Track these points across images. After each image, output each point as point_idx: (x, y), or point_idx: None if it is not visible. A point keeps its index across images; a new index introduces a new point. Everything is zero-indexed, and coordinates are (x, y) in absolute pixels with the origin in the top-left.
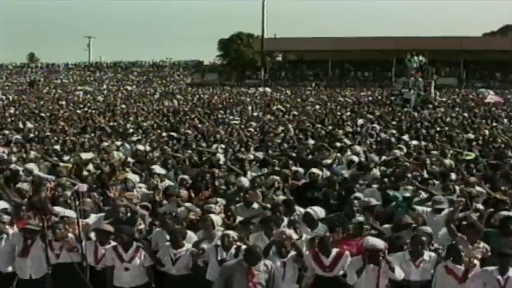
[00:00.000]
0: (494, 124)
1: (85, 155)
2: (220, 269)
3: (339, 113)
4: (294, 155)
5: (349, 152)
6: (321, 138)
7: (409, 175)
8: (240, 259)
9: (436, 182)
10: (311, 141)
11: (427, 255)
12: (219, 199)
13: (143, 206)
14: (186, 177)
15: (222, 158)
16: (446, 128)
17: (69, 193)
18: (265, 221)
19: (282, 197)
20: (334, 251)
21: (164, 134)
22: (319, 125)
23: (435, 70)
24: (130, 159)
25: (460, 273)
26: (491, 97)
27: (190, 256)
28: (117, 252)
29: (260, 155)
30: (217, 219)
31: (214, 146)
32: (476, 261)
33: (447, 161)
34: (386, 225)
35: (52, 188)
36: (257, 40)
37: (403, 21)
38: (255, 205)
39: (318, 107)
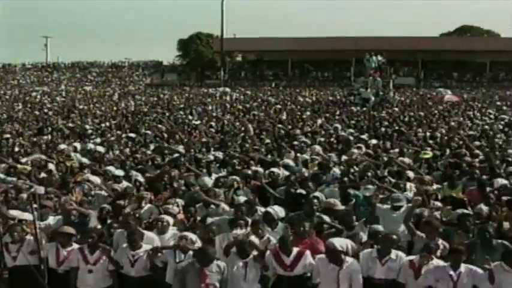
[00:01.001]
0: (452, 123)
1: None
2: (175, 270)
3: (298, 113)
4: (254, 155)
5: (308, 152)
6: (281, 138)
7: (370, 174)
8: (193, 260)
9: (393, 180)
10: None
11: (394, 254)
12: (178, 200)
13: None
14: (140, 178)
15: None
16: (404, 128)
17: (25, 195)
18: (233, 222)
19: (242, 197)
20: (295, 250)
21: (123, 135)
22: (279, 125)
23: (393, 70)
24: (86, 161)
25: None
26: (448, 96)
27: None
28: (82, 253)
29: (220, 155)
30: (169, 219)
31: (176, 146)
32: (435, 259)
33: (406, 160)
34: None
35: (3, 190)
36: (216, 40)
37: (362, 22)
38: (214, 206)
39: (278, 106)
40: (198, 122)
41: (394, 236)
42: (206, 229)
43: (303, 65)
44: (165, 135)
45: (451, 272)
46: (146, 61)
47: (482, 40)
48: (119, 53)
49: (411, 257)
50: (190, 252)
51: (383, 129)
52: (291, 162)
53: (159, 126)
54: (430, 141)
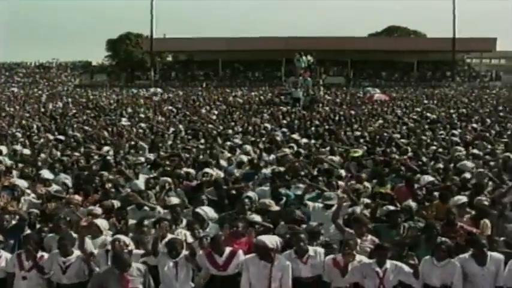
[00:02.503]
0: (381, 121)
1: None
2: (91, 279)
3: (229, 113)
4: (186, 155)
5: (239, 152)
6: (213, 138)
7: (302, 173)
8: (110, 266)
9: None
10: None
11: (313, 250)
12: (113, 201)
13: None
14: (67, 181)
15: (112, 160)
16: (334, 126)
17: None
18: (158, 223)
19: (174, 199)
20: (227, 249)
21: (51, 137)
22: (210, 125)
23: (323, 69)
24: (13, 164)
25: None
26: (377, 95)
27: (81, 263)
28: (19, 259)
29: (151, 156)
30: (102, 222)
31: (105, 148)
32: (357, 255)
33: (335, 158)
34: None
35: None
36: (146, 40)
37: (292, 22)
38: (146, 207)
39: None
40: (127, 123)
41: (302, 235)
42: (140, 231)
43: (234, 65)
44: (95, 137)
45: (377, 269)
46: (75, 61)
47: (409, 40)
48: (47, 54)
49: (333, 256)
50: None
51: (313, 128)
52: (225, 163)
53: (86, 128)
54: (361, 140)
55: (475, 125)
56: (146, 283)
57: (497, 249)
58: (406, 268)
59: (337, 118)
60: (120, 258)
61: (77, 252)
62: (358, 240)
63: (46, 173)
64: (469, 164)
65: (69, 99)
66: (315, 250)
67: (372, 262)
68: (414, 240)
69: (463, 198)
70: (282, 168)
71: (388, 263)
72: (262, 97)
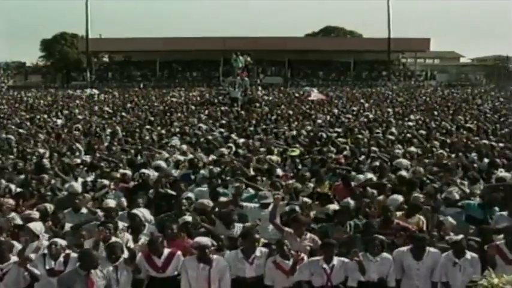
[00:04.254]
0: (318, 121)
1: None
2: (57, 281)
3: (167, 113)
4: (124, 157)
5: (177, 152)
6: (150, 139)
7: (240, 172)
8: (75, 268)
9: (264, 179)
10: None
11: (259, 251)
12: (47, 204)
13: None
14: (12, 185)
15: (47, 163)
16: (273, 126)
17: None
18: (102, 226)
19: (111, 201)
20: (166, 251)
21: None
22: (148, 126)
23: (261, 69)
24: None
25: (287, 267)
26: (315, 95)
27: (19, 269)
28: None
29: (87, 158)
30: (35, 226)
31: (41, 150)
32: (303, 254)
33: (274, 158)
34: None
35: None
36: (82, 40)
37: (230, 22)
38: (84, 210)
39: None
40: (61, 125)
41: (256, 235)
42: (77, 235)
43: (171, 65)
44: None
45: (325, 266)
46: (8, 62)
47: (345, 40)
48: None
49: (272, 258)
50: (61, 259)
51: (251, 128)
52: (163, 164)
53: (21, 130)
54: (298, 139)
55: (410, 124)
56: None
57: (434, 244)
58: (352, 264)
59: (274, 117)
60: (88, 258)
61: (14, 258)
62: (298, 239)
63: None
64: (404, 161)
65: (3, 101)
66: (260, 251)
67: (320, 259)
68: (351, 239)
69: (399, 198)
70: (219, 168)
71: (335, 260)
72: (200, 97)
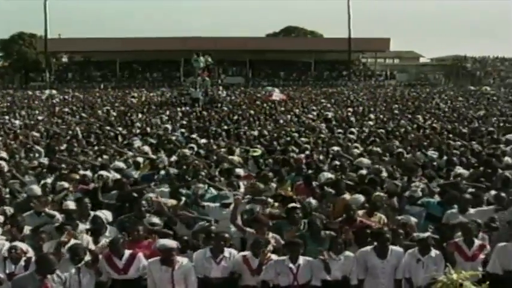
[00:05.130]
0: (280, 121)
1: None
2: (11, 283)
3: (128, 114)
4: (83, 158)
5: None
6: (111, 140)
7: (203, 173)
8: (31, 271)
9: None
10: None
11: (228, 252)
12: (5, 207)
13: None
14: None
15: (5, 165)
16: (234, 126)
17: None
18: (60, 229)
19: (70, 203)
20: (127, 252)
21: None
22: (108, 127)
23: (222, 70)
24: None
25: (254, 265)
26: (276, 95)
27: None
28: None
29: (46, 160)
30: None
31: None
32: (270, 254)
33: (235, 158)
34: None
35: None
36: (40, 40)
37: (191, 22)
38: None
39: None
40: (20, 126)
41: (226, 235)
42: (36, 238)
43: (132, 65)
44: None
45: (291, 265)
46: None
47: (306, 40)
48: None
49: (244, 253)
50: (22, 263)
51: (213, 128)
52: (123, 165)
53: None
54: (260, 139)
55: (371, 123)
56: None
57: (398, 242)
58: (318, 263)
59: (236, 118)
60: (44, 262)
61: None
62: (273, 241)
63: None
64: (365, 160)
65: None
66: (230, 252)
67: (285, 259)
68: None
69: (361, 198)
70: (181, 169)
71: (301, 259)
72: (160, 98)
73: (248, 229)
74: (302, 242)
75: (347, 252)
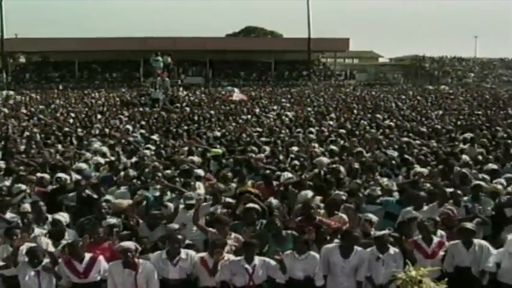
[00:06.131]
0: (240, 120)
1: None
2: None
3: (87, 115)
4: (41, 160)
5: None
6: (70, 141)
7: (160, 174)
8: None
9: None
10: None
11: (185, 253)
12: None
13: None
14: None
15: None
16: (195, 126)
17: None
18: (8, 232)
19: (27, 205)
20: (88, 256)
21: None
22: (67, 128)
23: (182, 70)
24: None
25: (211, 266)
26: (236, 95)
27: None
28: None
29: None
30: None
31: None
32: (225, 254)
33: (195, 158)
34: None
35: None
36: None
37: (151, 22)
38: (8, 215)
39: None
40: None
41: (180, 236)
42: None
43: (91, 66)
44: None
45: (246, 266)
46: None
47: (266, 40)
48: None
49: (201, 254)
50: None
51: (173, 128)
52: (84, 166)
53: None
54: (221, 139)
55: (330, 122)
56: None
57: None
58: (274, 263)
59: (196, 118)
60: None
61: None
62: (232, 241)
63: None
64: (324, 160)
65: None
66: (186, 253)
67: (241, 259)
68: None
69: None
70: (140, 170)
71: (257, 259)
72: (119, 98)
73: (210, 229)
74: (257, 242)
75: (311, 252)
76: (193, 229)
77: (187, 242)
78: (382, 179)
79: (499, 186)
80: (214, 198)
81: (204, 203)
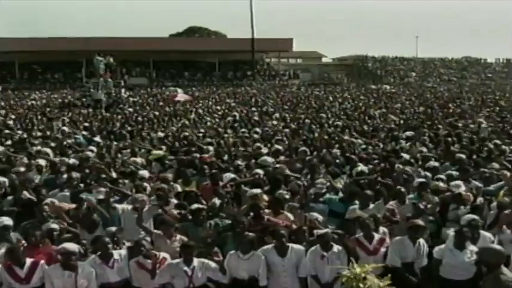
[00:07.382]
0: (186, 122)
1: None
2: None
3: (27, 117)
4: None
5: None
6: (13, 143)
7: (103, 176)
8: None
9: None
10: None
11: (117, 253)
12: None
13: None
14: None
15: None
16: (139, 127)
17: None
18: None
19: None
20: (29, 261)
21: None
22: (8, 131)
23: (125, 70)
24: None
25: (150, 267)
26: (180, 96)
27: None
28: None
29: None
30: None
31: None
32: (162, 256)
33: (138, 159)
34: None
35: None
36: None
37: (93, 22)
38: None
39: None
40: None
41: (106, 239)
42: None
43: (32, 66)
44: None
45: (185, 268)
46: None
47: (210, 41)
48: None
49: (137, 258)
50: None
51: (116, 130)
52: (23, 169)
53: None
54: (165, 140)
55: (275, 122)
56: None
57: (303, 239)
58: (213, 264)
59: (140, 119)
60: None
61: None
62: (168, 241)
63: None
64: (269, 159)
65: None
66: (119, 253)
67: (180, 261)
68: (221, 238)
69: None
70: (83, 172)
71: (195, 261)
72: (61, 99)
73: (155, 231)
74: (195, 244)
75: (256, 252)
76: (140, 230)
77: (127, 244)
78: (328, 176)
79: (441, 184)
80: (160, 199)
81: (151, 204)
